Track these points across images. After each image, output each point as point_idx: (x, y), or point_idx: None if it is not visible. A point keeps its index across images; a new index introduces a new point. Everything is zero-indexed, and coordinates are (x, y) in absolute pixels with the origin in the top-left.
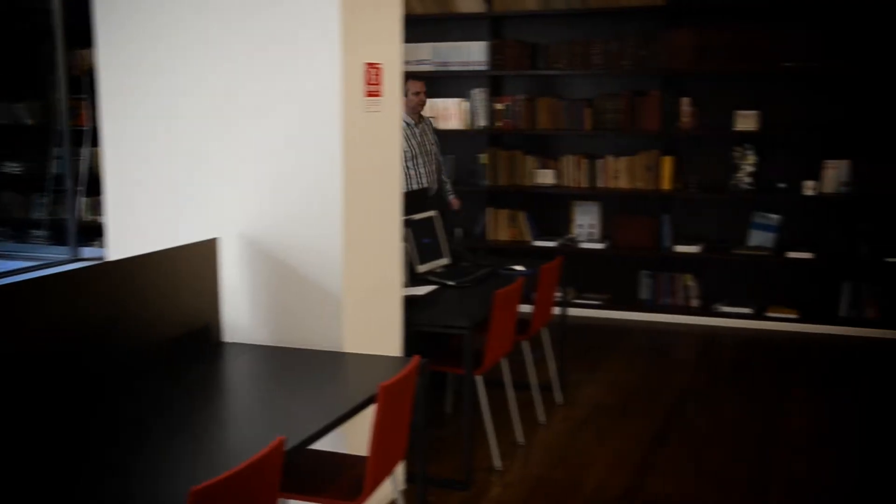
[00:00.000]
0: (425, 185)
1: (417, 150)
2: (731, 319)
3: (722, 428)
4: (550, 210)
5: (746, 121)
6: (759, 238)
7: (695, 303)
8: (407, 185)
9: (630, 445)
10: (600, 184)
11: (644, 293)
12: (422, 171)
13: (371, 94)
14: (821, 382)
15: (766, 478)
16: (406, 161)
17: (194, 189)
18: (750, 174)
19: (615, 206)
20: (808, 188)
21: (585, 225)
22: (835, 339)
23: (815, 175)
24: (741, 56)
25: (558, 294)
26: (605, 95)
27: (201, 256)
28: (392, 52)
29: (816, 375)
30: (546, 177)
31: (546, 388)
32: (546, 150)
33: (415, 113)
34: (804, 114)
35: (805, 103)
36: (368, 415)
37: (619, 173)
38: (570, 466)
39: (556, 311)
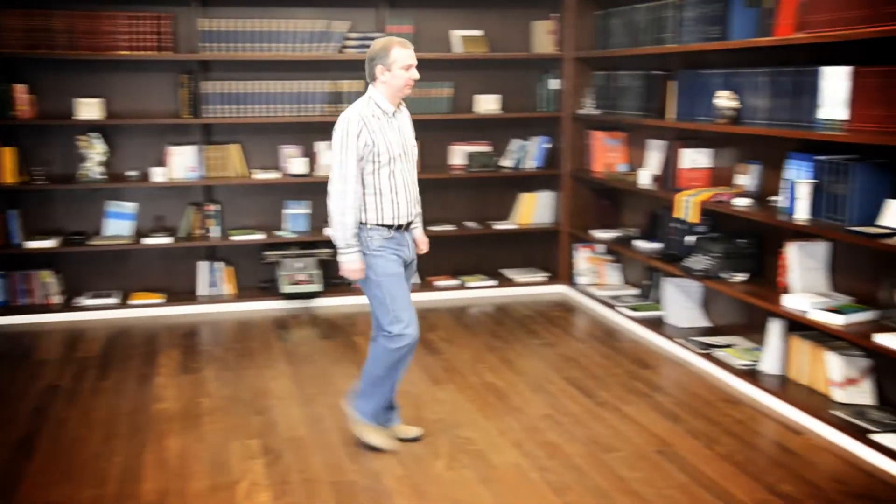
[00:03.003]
0: (401, 210)
1: (395, 153)
2: (97, 312)
3: (93, 422)
4: None
5: (90, 109)
6: (116, 227)
7: (56, 299)
8: (376, 207)
9: None
10: None
11: None
12: (397, 182)
13: None
14: (190, 361)
15: (137, 460)
16: (367, 170)
17: None
18: (100, 163)
19: None
20: (158, 174)
21: None
22: (197, 318)
23: (162, 161)
24: (81, 42)
25: None
26: None
27: None
28: None
29: (185, 355)
30: None
31: None
32: None
33: (397, 97)
34: (148, 101)
35: (148, 91)
36: None
37: None
38: None
39: None
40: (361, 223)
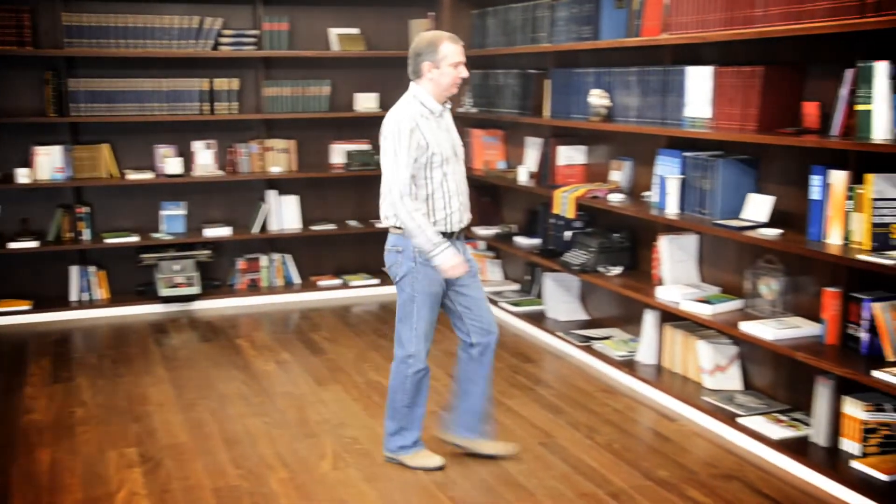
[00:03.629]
0: (454, 215)
1: (447, 155)
2: None
3: None
4: None
5: None
6: None
7: None
8: (428, 213)
9: None
10: None
11: None
12: (449, 185)
13: None
14: (62, 370)
15: (3, 476)
16: (419, 175)
17: None
18: None
19: None
20: (22, 176)
21: None
22: (69, 325)
23: (27, 163)
24: None
25: None
26: None
27: None
28: None
29: (57, 364)
30: None
31: None
32: None
33: (443, 96)
34: (10, 99)
35: (9, 88)
36: None
37: None
38: None
39: None
40: None
